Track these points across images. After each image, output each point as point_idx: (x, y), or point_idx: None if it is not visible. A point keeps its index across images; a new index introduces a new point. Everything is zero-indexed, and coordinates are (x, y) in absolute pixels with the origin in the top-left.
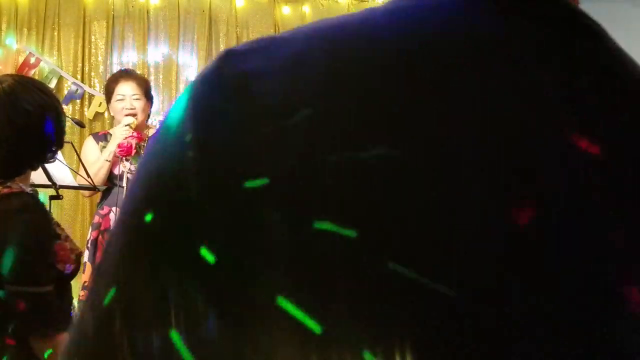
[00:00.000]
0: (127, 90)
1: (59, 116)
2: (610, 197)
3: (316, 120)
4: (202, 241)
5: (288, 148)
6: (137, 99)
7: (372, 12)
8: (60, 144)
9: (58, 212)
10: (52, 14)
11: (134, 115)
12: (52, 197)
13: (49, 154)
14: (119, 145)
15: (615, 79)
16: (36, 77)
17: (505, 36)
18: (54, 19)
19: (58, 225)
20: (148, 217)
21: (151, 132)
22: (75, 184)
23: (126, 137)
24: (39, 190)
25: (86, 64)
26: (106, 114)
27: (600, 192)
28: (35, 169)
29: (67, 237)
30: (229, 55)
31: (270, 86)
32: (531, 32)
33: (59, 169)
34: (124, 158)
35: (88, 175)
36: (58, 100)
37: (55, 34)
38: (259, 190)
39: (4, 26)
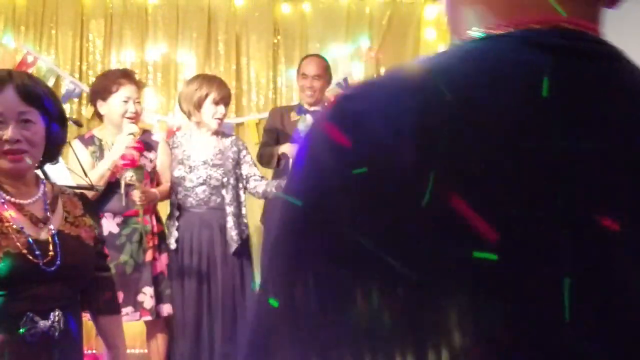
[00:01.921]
0: (131, 93)
1: None
2: None
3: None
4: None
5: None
6: (138, 103)
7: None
8: None
9: None
10: (50, 12)
11: (134, 120)
12: None
13: None
14: (123, 157)
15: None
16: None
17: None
18: (51, 18)
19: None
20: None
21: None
22: (74, 184)
23: (128, 147)
24: None
25: (84, 62)
26: None
27: None
28: None
29: None
30: (344, 99)
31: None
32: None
33: (57, 169)
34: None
35: (85, 175)
36: None
37: (53, 32)
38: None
39: (1, 25)
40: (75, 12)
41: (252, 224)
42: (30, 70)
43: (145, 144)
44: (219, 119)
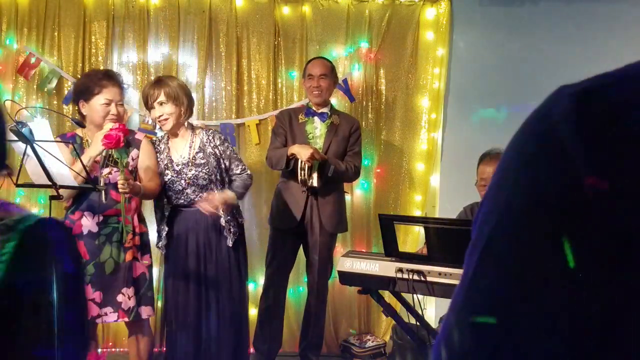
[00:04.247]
0: (114, 95)
1: None
2: None
3: None
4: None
5: None
6: (120, 105)
7: None
8: None
9: (58, 212)
10: (53, 14)
11: (115, 122)
12: (52, 197)
13: None
14: (107, 136)
15: None
16: (36, 77)
17: None
18: (54, 19)
19: None
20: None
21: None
22: (75, 184)
23: (112, 129)
24: (39, 190)
25: (86, 64)
26: None
27: None
28: None
29: None
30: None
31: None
32: None
33: (59, 168)
34: (106, 164)
35: (87, 175)
36: None
37: (56, 34)
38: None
39: (4, 26)
40: (77, 14)
41: (253, 223)
42: (32, 72)
43: (127, 142)
44: (158, 121)
